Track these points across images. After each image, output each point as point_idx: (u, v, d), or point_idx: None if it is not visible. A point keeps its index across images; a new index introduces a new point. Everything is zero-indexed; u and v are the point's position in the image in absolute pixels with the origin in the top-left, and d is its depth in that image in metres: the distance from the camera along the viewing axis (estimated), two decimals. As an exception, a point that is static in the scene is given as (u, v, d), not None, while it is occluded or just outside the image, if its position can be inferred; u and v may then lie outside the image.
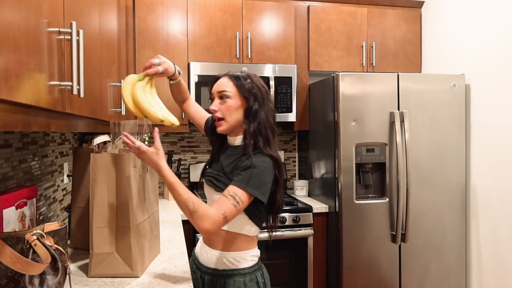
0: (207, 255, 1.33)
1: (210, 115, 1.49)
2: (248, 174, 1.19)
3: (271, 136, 1.28)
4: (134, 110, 1.26)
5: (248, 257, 1.30)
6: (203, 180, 1.39)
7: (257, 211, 1.26)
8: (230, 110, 1.27)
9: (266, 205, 1.25)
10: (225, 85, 1.29)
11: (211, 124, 1.42)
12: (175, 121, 1.29)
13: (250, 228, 1.29)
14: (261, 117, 1.26)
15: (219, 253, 1.30)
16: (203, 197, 1.41)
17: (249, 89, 1.27)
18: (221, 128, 1.30)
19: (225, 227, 1.25)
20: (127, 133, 1.19)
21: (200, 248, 1.39)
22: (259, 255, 1.35)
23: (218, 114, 1.29)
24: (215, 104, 1.30)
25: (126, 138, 1.18)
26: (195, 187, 2.88)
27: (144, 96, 1.26)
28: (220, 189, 1.26)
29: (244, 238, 1.29)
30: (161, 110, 1.28)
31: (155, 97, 1.32)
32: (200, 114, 1.57)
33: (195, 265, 1.39)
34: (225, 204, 1.15)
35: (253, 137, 1.25)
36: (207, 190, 1.36)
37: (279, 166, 1.26)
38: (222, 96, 1.28)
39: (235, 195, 1.17)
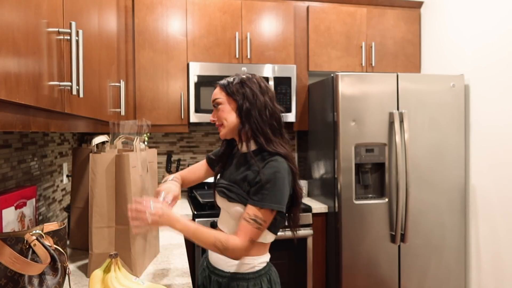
0: (217, 255, 1.31)
1: (205, 161, 1.56)
2: (263, 191, 1.19)
3: (270, 133, 1.25)
4: None
5: (256, 263, 1.29)
6: (215, 191, 1.37)
7: (273, 220, 1.25)
8: (224, 113, 1.30)
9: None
10: (216, 93, 1.33)
11: (216, 153, 1.51)
12: None
13: (265, 236, 1.28)
14: (255, 115, 1.24)
15: None
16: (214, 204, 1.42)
17: (237, 90, 1.28)
18: (221, 133, 1.32)
19: None
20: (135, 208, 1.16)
21: None
22: (268, 260, 1.34)
23: (217, 122, 1.33)
24: (212, 114, 1.35)
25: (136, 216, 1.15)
26: (194, 188, 2.88)
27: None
28: (233, 200, 1.26)
29: (258, 245, 1.27)
30: None
31: (130, 279, 1.11)
32: (201, 168, 1.55)
33: (206, 263, 1.39)
34: (248, 229, 1.18)
35: (249, 136, 1.27)
36: (220, 200, 1.34)
37: (290, 159, 1.24)
38: (215, 105, 1.33)
39: (256, 218, 1.19)
